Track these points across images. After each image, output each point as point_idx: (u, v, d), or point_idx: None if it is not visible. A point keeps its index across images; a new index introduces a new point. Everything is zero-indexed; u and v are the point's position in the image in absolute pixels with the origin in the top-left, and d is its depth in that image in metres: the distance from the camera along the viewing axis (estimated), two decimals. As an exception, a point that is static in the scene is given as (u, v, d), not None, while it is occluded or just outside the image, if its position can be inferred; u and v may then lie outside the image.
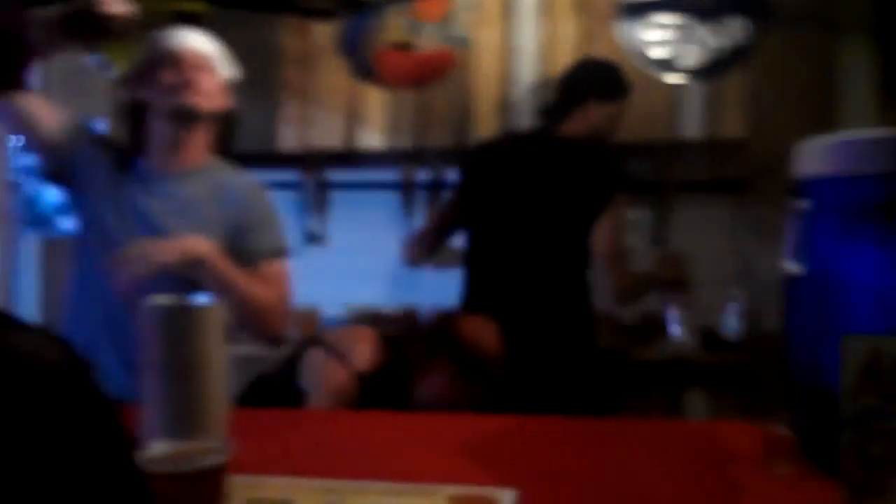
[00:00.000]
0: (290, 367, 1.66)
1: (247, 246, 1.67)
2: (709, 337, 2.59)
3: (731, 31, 2.64)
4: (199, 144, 1.70)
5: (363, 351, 1.60)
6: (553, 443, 1.17)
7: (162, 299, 1.05)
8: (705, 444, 1.15)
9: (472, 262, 2.23)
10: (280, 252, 1.73)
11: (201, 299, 1.08)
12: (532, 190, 2.16)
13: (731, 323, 2.52)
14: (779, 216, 2.56)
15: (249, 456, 0.92)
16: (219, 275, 1.56)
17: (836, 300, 0.92)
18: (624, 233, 2.22)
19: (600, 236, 2.14)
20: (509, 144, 2.30)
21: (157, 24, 2.78)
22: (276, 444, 1.14)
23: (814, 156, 0.98)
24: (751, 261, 2.62)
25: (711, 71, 2.67)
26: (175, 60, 1.63)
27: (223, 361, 1.07)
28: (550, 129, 2.25)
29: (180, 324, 1.03)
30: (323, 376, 1.57)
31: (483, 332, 1.62)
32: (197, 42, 1.68)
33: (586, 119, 2.21)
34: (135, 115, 1.71)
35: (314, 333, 1.73)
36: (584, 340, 2.17)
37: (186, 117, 1.65)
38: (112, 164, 1.69)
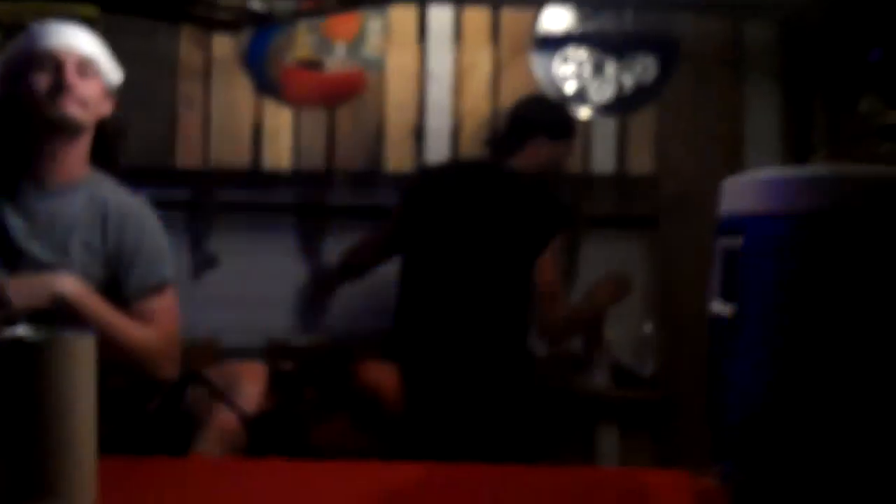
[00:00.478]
0: (168, 406, 1.50)
1: (127, 279, 1.50)
2: (620, 373, 2.55)
3: (641, 69, 2.68)
4: (76, 158, 1.51)
5: (251, 392, 1.46)
6: (464, 493, 1.04)
7: (13, 332, 0.88)
8: (630, 496, 1.05)
9: (405, 290, 2.13)
10: (164, 286, 1.55)
11: (66, 332, 0.90)
12: (477, 221, 2.10)
13: (644, 360, 2.50)
14: (688, 252, 2.61)
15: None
16: (90, 318, 1.39)
17: (769, 343, 0.86)
18: (559, 270, 2.21)
19: (543, 273, 2.11)
20: (455, 173, 2.26)
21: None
22: (151, 499, 0.97)
23: (745, 191, 0.93)
24: (661, 297, 2.62)
25: (622, 107, 2.70)
26: (52, 61, 1.45)
27: (92, 407, 0.89)
28: (498, 161, 2.21)
29: (36, 361, 0.85)
30: (207, 420, 1.43)
31: (383, 380, 1.53)
32: (78, 40, 1.50)
33: (536, 155, 2.19)
34: (3, 120, 1.51)
35: (196, 370, 1.56)
36: (520, 380, 2.09)
37: (63, 128, 1.46)
38: None
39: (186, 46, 2.59)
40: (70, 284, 1.39)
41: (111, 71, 1.56)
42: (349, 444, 1.46)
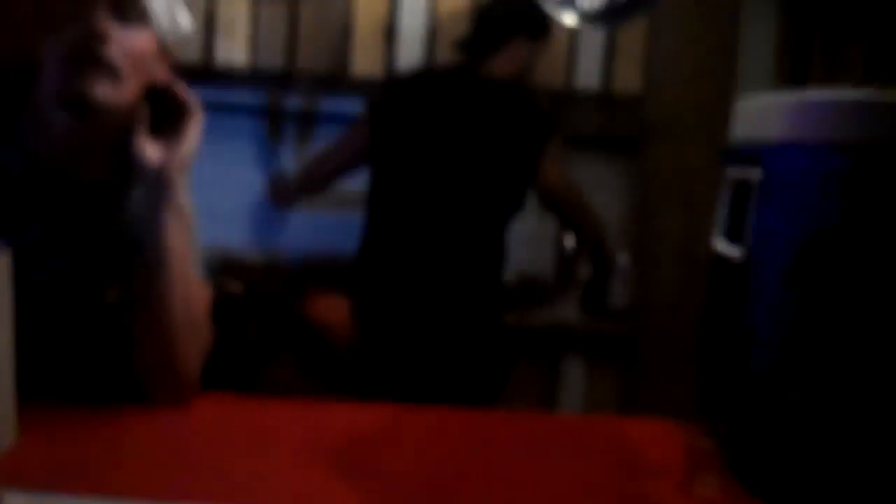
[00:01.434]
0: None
1: None
2: (591, 303, 2.44)
3: (636, -23, 2.47)
4: None
5: None
6: (432, 441, 0.93)
7: None
8: (616, 447, 0.94)
9: (373, 208, 1.94)
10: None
11: None
12: (452, 134, 1.89)
13: (618, 290, 2.39)
14: (673, 178, 2.48)
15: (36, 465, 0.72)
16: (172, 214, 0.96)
17: (787, 290, 0.75)
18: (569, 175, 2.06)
19: (549, 183, 1.96)
20: (428, 81, 2.02)
21: None
22: (74, 447, 0.83)
23: (768, 116, 0.78)
24: (641, 225, 2.49)
25: (612, 17, 2.48)
26: None
27: (7, 336, 0.77)
28: (473, 66, 1.98)
29: None
30: None
31: (333, 315, 1.39)
32: None
33: (514, 58, 1.98)
34: None
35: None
36: (488, 314, 1.94)
37: None
38: None
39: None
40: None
41: None
42: (294, 386, 1.33)
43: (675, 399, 2.29)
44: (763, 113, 0.80)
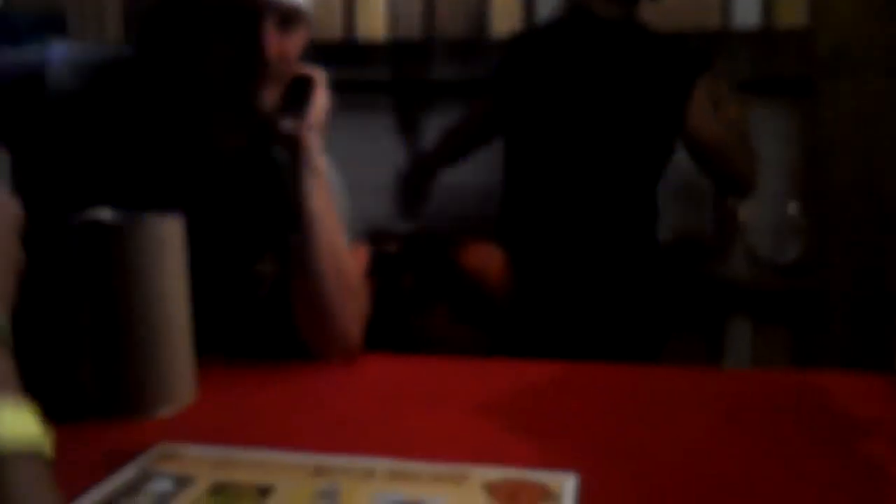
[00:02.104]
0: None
1: None
2: (757, 260, 2.27)
3: None
4: None
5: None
6: (606, 399, 0.89)
7: (92, 215, 0.81)
8: (819, 403, 0.85)
9: (510, 178, 1.87)
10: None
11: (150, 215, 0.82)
12: (582, 83, 1.76)
13: (786, 245, 2.20)
14: (846, 120, 2.23)
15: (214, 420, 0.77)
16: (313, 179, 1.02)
17: None
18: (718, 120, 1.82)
19: (697, 127, 1.75)
20: (549, 33, 1.87)
21: None
22: (248, 403, 0.87)
23: None
24: (810, 172, 2.27)
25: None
26: None
27: (184, 297, 0.84)
28: (585, 10, 1.82)
29: (115, 247, 0.78)
30: None
31: (488, 264, 1.35)
32: None
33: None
34: None
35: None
36: (643, 268, 1.83)
37: None
38: None
39: None
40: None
41: None
42: (450, 336, 1.32)
43: (851, 363, 2.10)
44: None
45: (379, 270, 1.34)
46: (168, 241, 0.80)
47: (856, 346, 2.08)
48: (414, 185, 2.10)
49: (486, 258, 1.41)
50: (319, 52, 2.65)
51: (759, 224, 2.26)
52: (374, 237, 1.38)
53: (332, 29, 2.38)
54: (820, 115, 2.23)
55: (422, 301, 1.36)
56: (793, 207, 2.23)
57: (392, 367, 1.00)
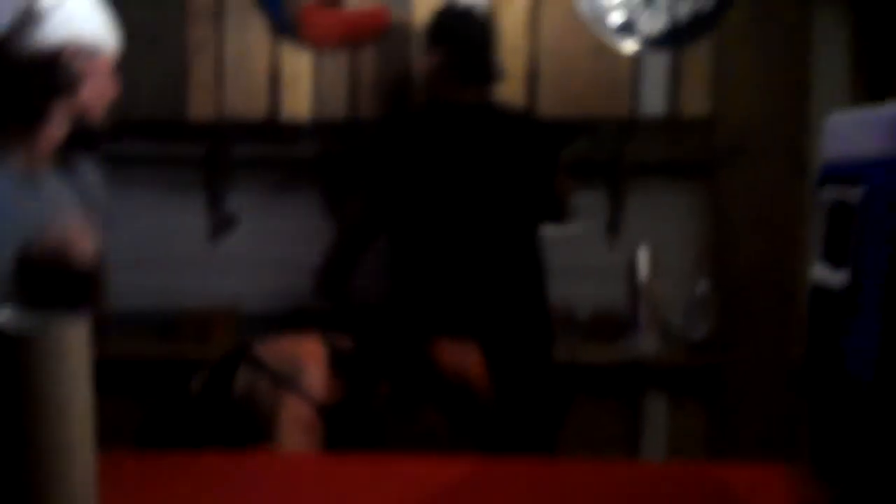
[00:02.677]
0: (215, 389, 1.33)
1: None
2: (669, 336, 2.36)
3: (696, -3, 2.41)
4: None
5: (315, 376, 1.30)
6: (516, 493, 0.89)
7: None
8: (719, 497, 0.89)
9: (397, 268, 1.91)
10: None
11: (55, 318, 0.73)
12: (464, 167, 1.86)
13: (697, 321, 2.30)
14: (747, 202, 2.38)
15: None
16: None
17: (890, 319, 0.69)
18: None
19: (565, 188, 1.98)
20: (419, 122, 1.96)
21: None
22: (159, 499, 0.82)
23: (867, 131, 0.73)
24: (717, 252, 2.40)
25: (675, 40, 2.44)
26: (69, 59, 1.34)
27: (88, 405, 0.74)
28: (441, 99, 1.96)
29: (20, 355, 0.69)
30: (274, 409, 1.28)
31: (468, 360, 1.36)
32: (86, 25, 1.36)
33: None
34: None
35: (243, 345, 1.39)
36: (542, 344, 1.89)
37: (82, 139, 1.41)
38: None
39: (195, -14, 2.38)
40: None
41: (113, 40, 1.44)
42: (438, 434, 1.30)
43: (766, 434, 2.18)
44: (860, 128, 0.76)
45: (343, 373, 1.32)
46: (73, 347, 0.72)
47: (765, 419, 2.17)
48: (328, 287, 2.06)
49: (464, 356, 1.40)
50: (244, 129, 2.66)
51: (670, 301, 2.36)
52: (325, 334, 1.37)
53: (258, 109, 2.41)
54: (720, 198, 2.38)
55: (404, 406, 1.33)
56: (702, 285, 2.34)
57: (381, 469, 0.97)
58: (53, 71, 1.33)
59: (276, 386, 1.29)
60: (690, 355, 2.31)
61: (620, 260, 2.38)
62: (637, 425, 2.37)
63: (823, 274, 0.80)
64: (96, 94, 1.39)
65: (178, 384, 1.41)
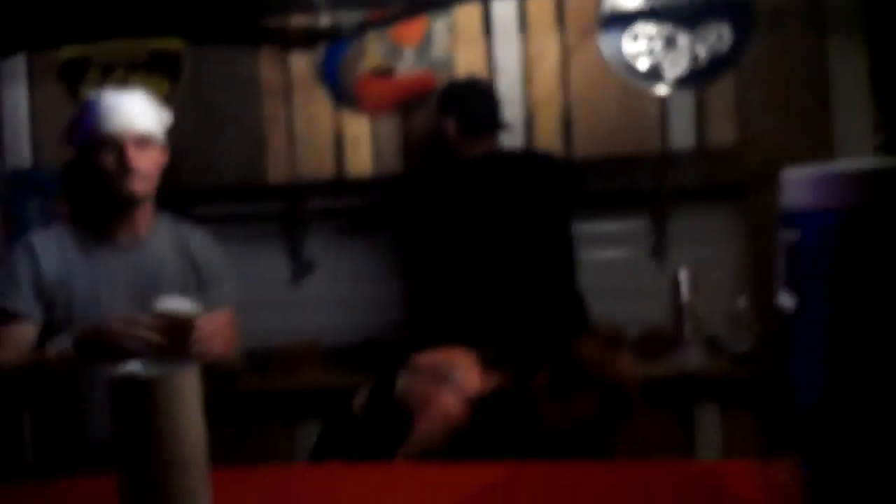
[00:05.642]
0: (378, 400, 1.51)
1: (218, 291, 1.76)
2: (714, 350, 2.51)
3: (716, 37, 2.61)
4: (144, 218, 1.71)
5: (468, 370, 1.46)
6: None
7: (126, 368, 0.88)
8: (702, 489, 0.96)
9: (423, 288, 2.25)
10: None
11: (173, 366, 0.88)
12: (491, 207, 2.18)
13: (739, 335, 2.45)
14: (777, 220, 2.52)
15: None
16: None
17: (825, 338, 0.85)
18: None
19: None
20: (439, 176, 2.34)
21: (136, 64, 2.74)
22: None
23: (797, 185, 0.93)
24: (754, 269, 2.55)
25: (698, 79, 2.63)
26: (115, 143, 1.61)
27: (201, 434, 0.88)
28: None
29: (146, 397, 0.84)
30: (432, 402, 1.41)
31: (613, 359, 1.49)
32: (135, 117, 1.64)
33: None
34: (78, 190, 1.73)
35: (405, 362, 1.56)
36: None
37: (131, 202, 1.66)
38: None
39: (266, 68, 2.72)
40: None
41: (162, 121, 1.71)
42: (593, 423, 1.41)
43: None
44: (794, 183, 0.94)
45: (499, 366, 1.48)
46: (187, 389, 0.85)
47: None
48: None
49: (610, 355, 1.48)
50: (315, 187, 2.97)
51: (713, 317, 2.51)
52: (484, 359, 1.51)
53: (326, 168, 2.72)
54: (753, 218, 2.54)
55: (559, 393, 1.41)
56: (741, 300, 2.49)
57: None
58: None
59: (430, 382, 1.44)
60: (736, 367, 2.45)
61: (665, 281, 2.55)
62: (692, 434, 2.51)
63: (785, 299, 0.96)
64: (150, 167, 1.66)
65: (339, 406, 1.60)
